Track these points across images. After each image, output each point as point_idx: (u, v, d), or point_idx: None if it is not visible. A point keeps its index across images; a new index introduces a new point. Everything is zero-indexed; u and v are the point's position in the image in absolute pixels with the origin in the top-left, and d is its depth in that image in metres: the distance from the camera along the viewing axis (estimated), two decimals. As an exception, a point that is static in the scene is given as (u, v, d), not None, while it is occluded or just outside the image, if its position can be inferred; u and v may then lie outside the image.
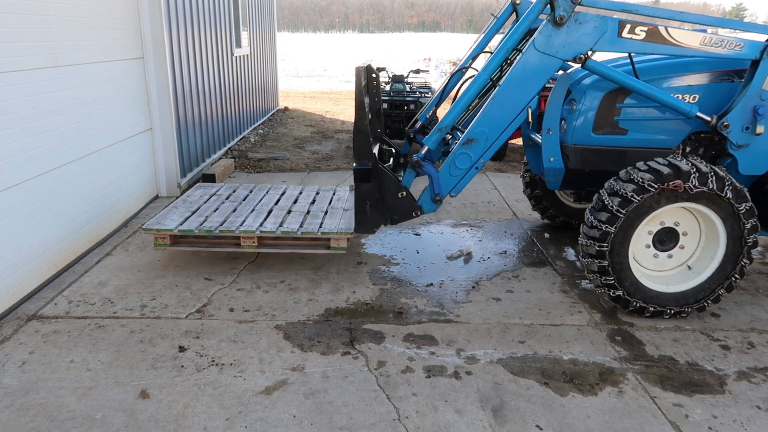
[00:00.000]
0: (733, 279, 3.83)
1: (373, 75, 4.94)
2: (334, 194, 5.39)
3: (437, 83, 17.43)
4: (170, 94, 6.23)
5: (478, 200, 6.59)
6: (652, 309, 3.84)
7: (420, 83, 9.84)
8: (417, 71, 9.66)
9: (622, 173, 3.79)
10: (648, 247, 3.91)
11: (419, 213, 4.16)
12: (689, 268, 3.94)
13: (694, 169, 3.60)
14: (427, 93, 9.05)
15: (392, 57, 32.65)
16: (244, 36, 10.12)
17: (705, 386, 3.20)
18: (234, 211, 4.85)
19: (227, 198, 5.22)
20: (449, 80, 4.77)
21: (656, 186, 3.59)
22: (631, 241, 3.76)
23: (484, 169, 8.13)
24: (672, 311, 3.86)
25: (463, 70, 4.78)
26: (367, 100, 4.30)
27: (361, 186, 4.06)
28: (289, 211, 4.88)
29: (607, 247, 3.72)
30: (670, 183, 3.59)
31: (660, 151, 4.07)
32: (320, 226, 4.51)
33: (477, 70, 4.13)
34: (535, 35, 3.71)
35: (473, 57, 4.74)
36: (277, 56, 13.78)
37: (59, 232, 4.45)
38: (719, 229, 3.76)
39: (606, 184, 3.82)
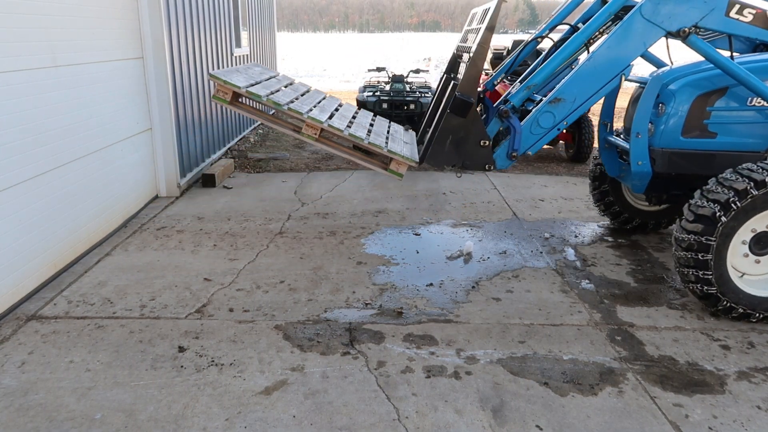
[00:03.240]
0: None
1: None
2: (390, 126, 5.12)
3: (437, 83, 17.39)
4: (170, 94, 6.23)
5: (478, 200, 6.59)
6: (741, 310, 3.82)
7: (420, 83, 9.82)
8: (417, 71, 9.65)
9: (746, 165, 3.73)
10: (746, 256, 3.86)
11: (492, 167, 4.10)
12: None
13: None
14: (427, 93, 9.03)
15: (392, 57, 32.65)
16: (244, 36, 10.12)
17: (705, 386, 3.20)
18: (297, 98, 4.53)
19: (286, 86, 4.84)
20: (523, 49, 4.72)
21: None
22: (735, 236, 3.70)
23: (484, 169, 8.12)
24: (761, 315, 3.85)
25: (539, 39, 4.75)
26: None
27: (453, 119, 3.93)
28: (351, 122, 4.60)
29: (714, 232, 3.64)
30: None
31: (749, 154, 4.06)
32: (386, 145, 4.24)
33: (553, 40, 4.08)
34: (642, 1, 3.70)
35: (551, 27, 4.70)
36: (277, 56, 13.78)
37: (59, 232, 4.45)
38: None
39: (726, 171, 3.76)
